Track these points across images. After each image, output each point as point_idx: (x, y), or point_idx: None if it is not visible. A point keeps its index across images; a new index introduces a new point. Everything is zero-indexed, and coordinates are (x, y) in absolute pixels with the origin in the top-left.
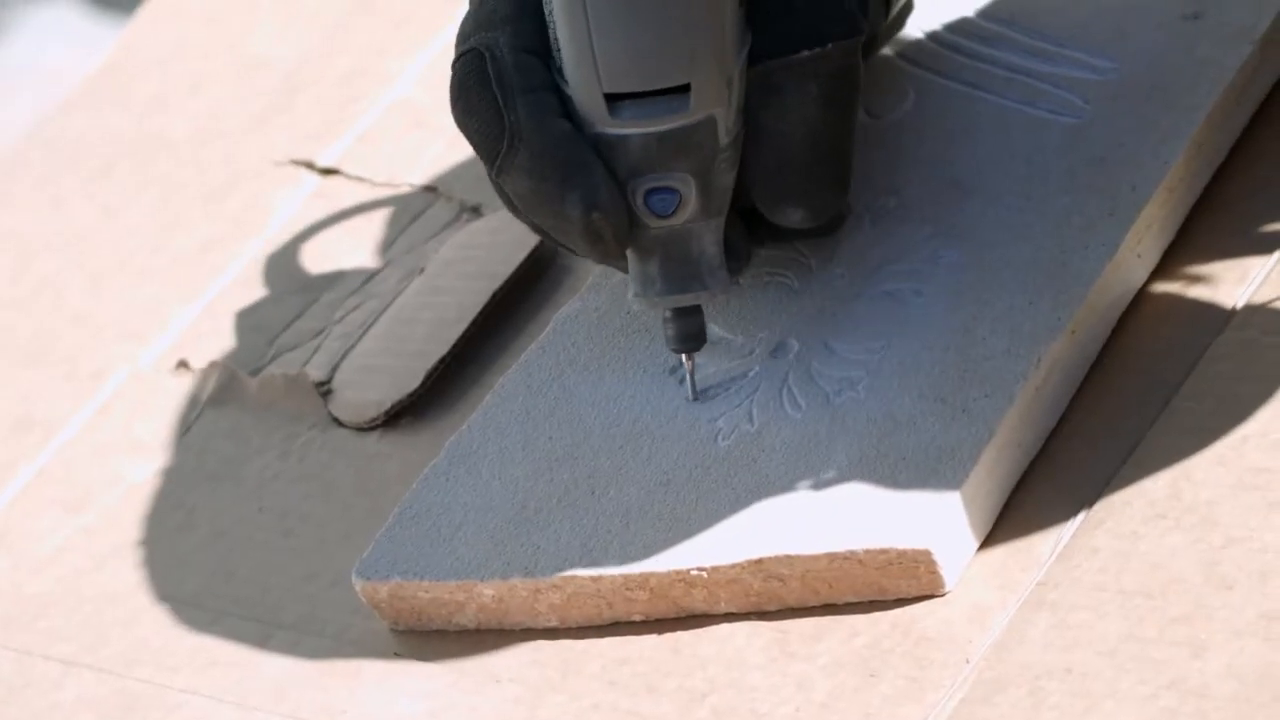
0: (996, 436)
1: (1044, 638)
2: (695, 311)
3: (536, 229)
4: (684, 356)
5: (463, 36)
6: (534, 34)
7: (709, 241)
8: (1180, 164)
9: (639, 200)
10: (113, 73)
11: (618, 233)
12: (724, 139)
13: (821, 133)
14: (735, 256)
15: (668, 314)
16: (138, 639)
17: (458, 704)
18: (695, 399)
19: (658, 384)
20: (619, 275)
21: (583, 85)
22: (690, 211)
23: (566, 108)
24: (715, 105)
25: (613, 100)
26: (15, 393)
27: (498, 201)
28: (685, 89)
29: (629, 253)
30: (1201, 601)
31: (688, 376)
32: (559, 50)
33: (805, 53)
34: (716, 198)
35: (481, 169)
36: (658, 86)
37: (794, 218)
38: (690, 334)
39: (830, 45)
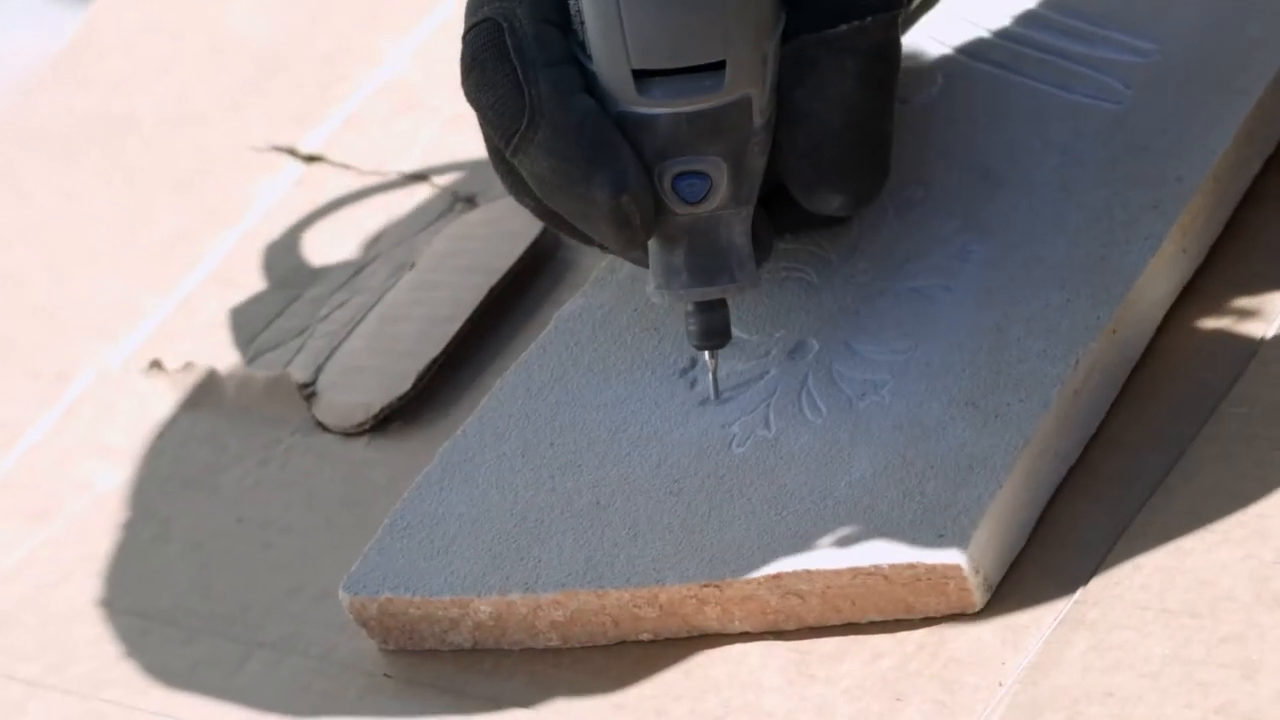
0: (1031, 444)
1: (1083, 659)
2: (720, 306)
3: (547, 216)
4: (706, 354)
5: (474, 6)
6: (553, 4)
7: (738, 231)
8: (1229, 152)
9: (666, 185)
10: (78, 53)
11: (645, 218)
12: (758, 120)
13: (860, 112)
14: (760, 248)
15: (690, 308)
16: (107, 658)
17: None
18: (717, 399)
19: (667, 386)
20: (625, 270)
21: (608, 60)
22: (720, 198)
23: (588, 84)
24: (750, 84)
25: (641, 77)
26: None
27: (495, 191)
28: (719, 66)
29: (651, 242)
30: (1253, 620)
31: (710, 375)
32: (582, 23)
33: (843, 27)
34: (747, 184)
35: (478, 156)
36: (690, 63)
37: (833, 203)
38: (715, 330)
39: (869, 19)
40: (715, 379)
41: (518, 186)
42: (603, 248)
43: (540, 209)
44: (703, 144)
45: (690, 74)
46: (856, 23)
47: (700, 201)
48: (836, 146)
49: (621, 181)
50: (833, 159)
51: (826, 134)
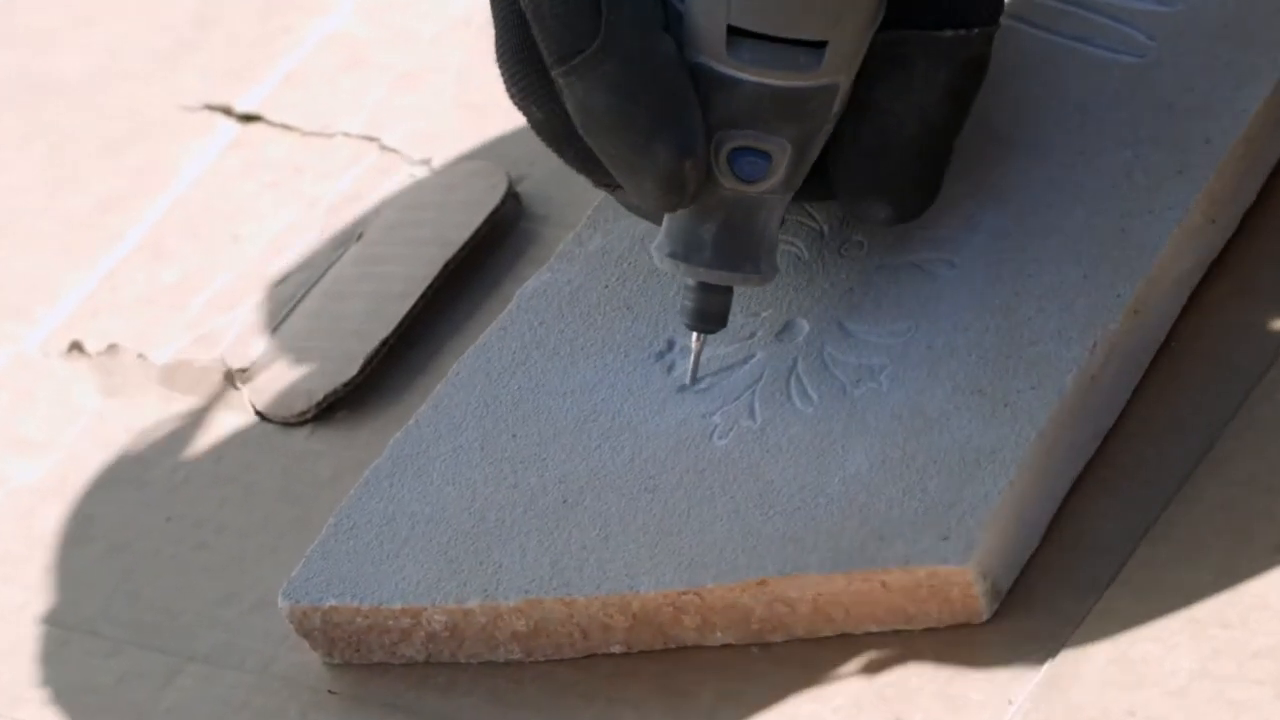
0: (1044, 435)
1: (1102, 674)
2: (726, 290)
3: (560, 137)
4: (694, 336)
5: None
6: None
7: (775, 218)
8: (1262, 111)
9: (722, 155)
10: None
11: (699, 187)
12: (836, 109)
13: (935, 125)
14: None
15: (691, 283)
16: (22, 673)
17: None
18: (693, 384)
19: (641, 371)
20: (595, 242)
21: (704, 6)
22: (773, 182)
23: (669, 22)
24: (844, 72)
25: (735, 35)
26: None
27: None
28: (820, 46)
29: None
30: None
31: (691, 358)
32: None
33: (948, 32)
34: (801, 172)
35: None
36: (792, 36)
37: (878, 213)
38: (712, 314)
39: (975, 31)
40: (696, 362)
41: (532, 93)
42: (608, 187)
43: (552, 126)
44: (777, 123)
45: (788, 46)
46: (962, 31)
47: (754, 182)
48: (902, 154)
49: (690, 145)
50: (894, 167)
51: (896, 139)
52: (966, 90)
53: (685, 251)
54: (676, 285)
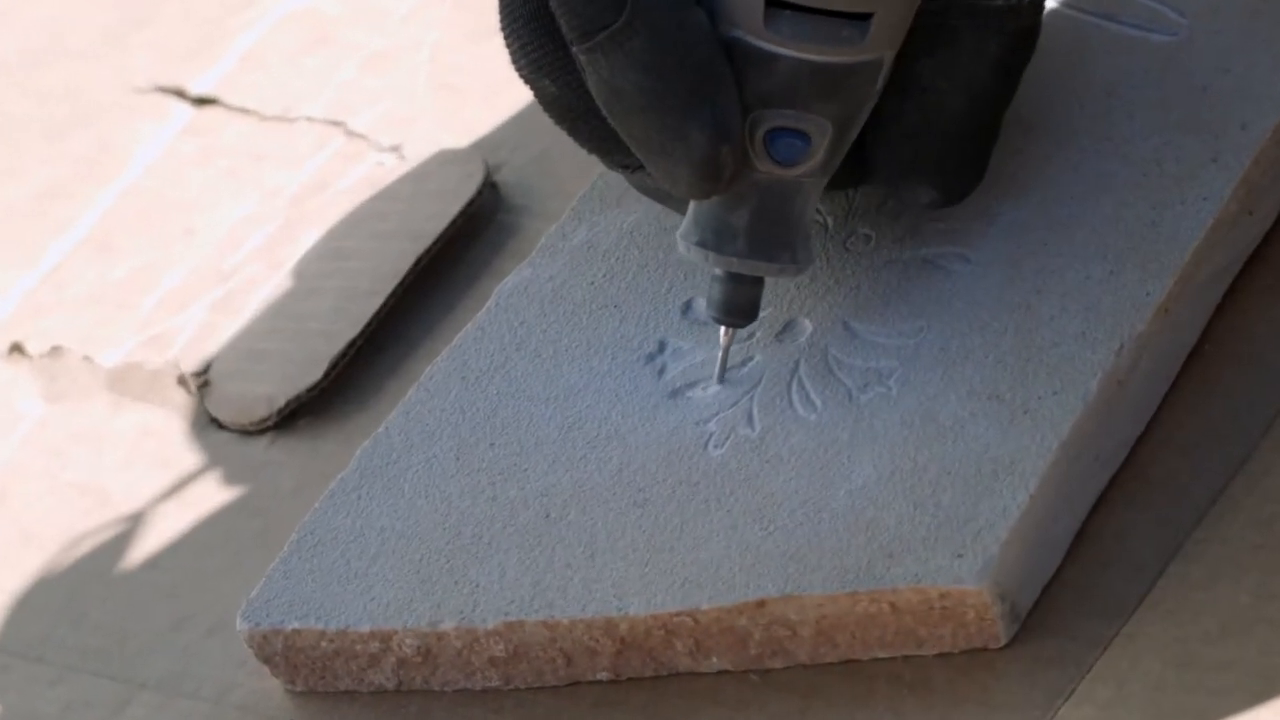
0: (1067, 445)
1: (1131, 705)
2: (758, 282)
3: (568, 111)
4: (722, 330)
5: None
6: None
7: (811, 203)
8: None
9: (757, 136)
10: None
11: (735, 173)
12: (879, 86)
13: (985, 100)
14: None
15: (719, 272)
16: None
17: None
18: (719, 382)
19: (630, 375)
20: (579, 236)
21: None
22: (812, 165)
23: None
24: (889, 46)
25: (773, 8)
26: None
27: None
28: (865, 19)
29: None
30: None
31: (720, 354)
32: None
33: (999, 1)
34: (840, 154)
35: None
36: (835, 8)
37: (922, 196)
38: (742, 307)
39: None
40: (724, 359)
41: (546, 66)
42: (625, 169)
43: (566, 102)
44: (817, 101)
45: (830, 19)
46: (1013, 1)
47: (792, 165)
48: (948, 133)
49: (727, 127)
50: (938, 147)
51: (942, 117)
52: (1017, 63)
53: (716, 240)
54: (669, 284)
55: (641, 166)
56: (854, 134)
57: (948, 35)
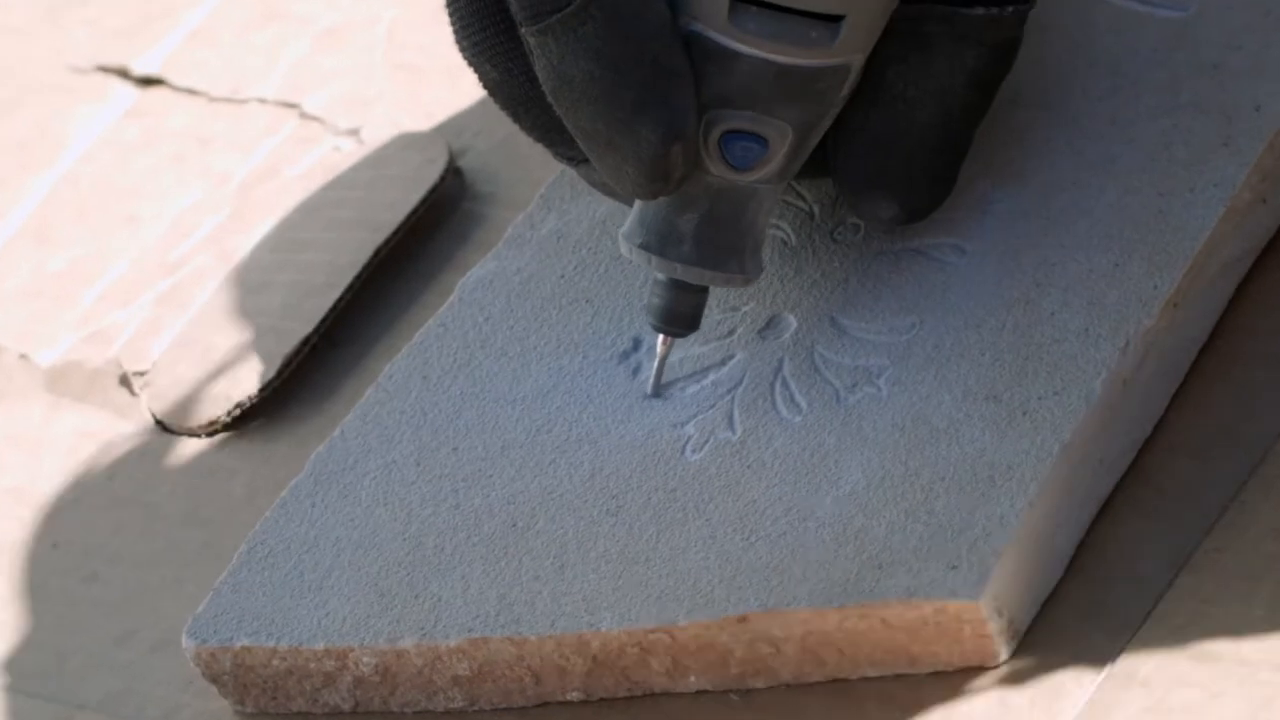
0: (1069, 449)
1: None
2: (702, 290)
3: (517, 101)
4: (660, 338)
5: None
6: None
7: (765, 211)
8: None
9: (711, 138)
10: None
11: (686, 174)
12: (845, 92)
13: (954, 114)
14: None
15: (660, 276)
16: None
17: None
18: (655, 394)
19: (603, 374)
20: (548, 226)
21: None
22: (768, 171)
23: None
24: (858, 51)
25: (740, 2)
26: None
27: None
28: (837, 21)
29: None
30: None
31: (655, 364)
32: None
33: (978, 10)
34: (799, 161)
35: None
36: (805, 7)
37: (882, 211)
38: (683, 316)
39: (1009, 10)
40: (660, 369)
41: (487, 49)
42: (570, 160)
43: (509, 88)
44: (778, 105)
45: (799, 18)
46: (994, 10)
47: (746, 170)
48: (914, 146)
49: (679, 126)
50: (904, 160)
51: (911, 129)
52: (994, 77)
53: (660, 243)
54: (644, 277)
55: (588, 160)
56: (815, 141)
57: (922, 43)
